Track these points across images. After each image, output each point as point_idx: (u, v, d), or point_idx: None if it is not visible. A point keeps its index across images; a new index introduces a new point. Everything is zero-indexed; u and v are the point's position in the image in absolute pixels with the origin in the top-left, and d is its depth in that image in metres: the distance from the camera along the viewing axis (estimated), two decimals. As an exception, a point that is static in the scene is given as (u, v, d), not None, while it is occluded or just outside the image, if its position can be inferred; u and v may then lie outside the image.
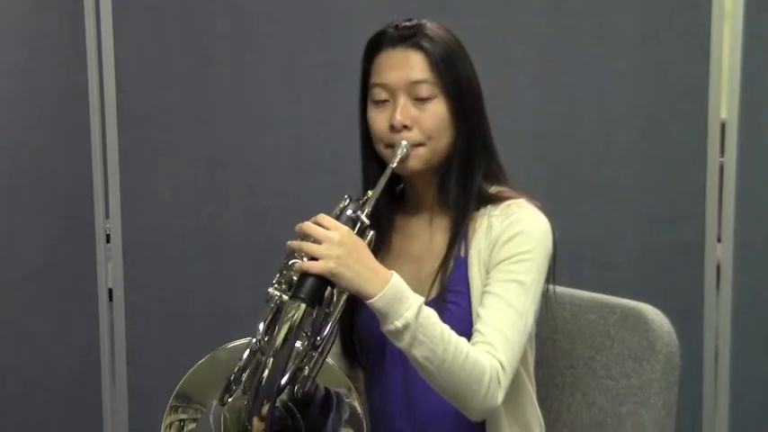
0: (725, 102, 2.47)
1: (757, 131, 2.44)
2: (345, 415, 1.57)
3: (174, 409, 1.57)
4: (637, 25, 2.50)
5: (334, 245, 1.41)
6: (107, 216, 2.78)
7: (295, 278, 1.43)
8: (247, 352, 1.44)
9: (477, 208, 1.66)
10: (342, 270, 1.40)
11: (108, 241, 2.80)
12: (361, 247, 1.45)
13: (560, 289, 1.77)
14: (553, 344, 1.88)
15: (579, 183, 2.56)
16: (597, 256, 2.52)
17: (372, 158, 1.70)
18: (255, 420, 1.49)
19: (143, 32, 2.74)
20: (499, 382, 1.48)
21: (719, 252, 2.50)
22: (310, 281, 1.40)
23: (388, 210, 1.73)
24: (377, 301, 1.42)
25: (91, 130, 2.74)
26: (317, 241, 1.41)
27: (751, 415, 2.49)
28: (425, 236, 1.70)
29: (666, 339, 1.73)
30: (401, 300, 1.43)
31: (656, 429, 1.71)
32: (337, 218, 1.48)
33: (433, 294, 1.62)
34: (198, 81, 2.75)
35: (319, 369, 1.49)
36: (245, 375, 1.44)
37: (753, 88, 2.43)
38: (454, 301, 1.61)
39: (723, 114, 2.48)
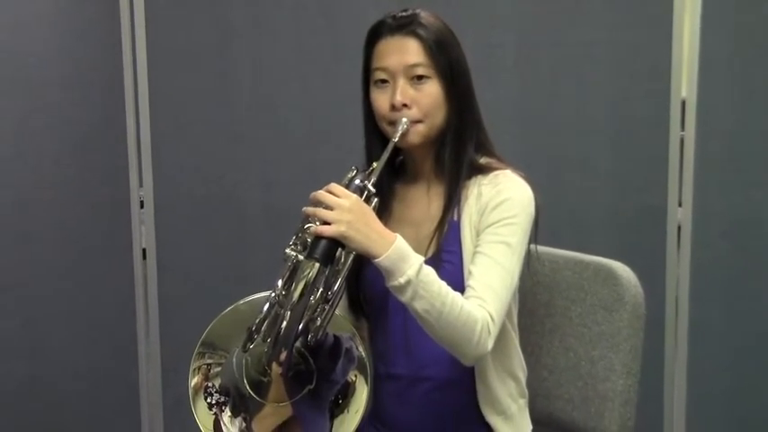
0: (685, 82, 2.45)
1: (713, 109, 2.43)
2: (352, 360, 1.58)
3: (201, 354, 1.57)
4: (608, 13, 2.48)
5: (345, 211, 1.40)
6: (141, 185, 2.80)
7: (310, 240, 1.43)
8: (267, 305, 1.44)
9: (469, 177, 1.66)
10: (352, 233, 1.40)
11: (142, 207, 2.81)
12: (369, 213, 1.45)
13: (540, 248, 1.77)
14: (534, 296, 1.88)
15: (557, 154, 2.54)
16: (573, 219, 2.52)
17: (374, 134, 1.69)
18: (274, 365, 1.51)
19: (171, 22, 2.73)
20: (489, 332, 1.49)
21: (680, 215, 2.49)
22: (323, 243, 1.40)
23: (390, 179, 1.72)
24: (383, 260, 1.42)
25: (126, 110, 2.75)
26: (329, 207, 1.41)
27: (707, 356, 2.50)
28: (423, 202, 1.70)
29: (633, 292, 1.73)
30: (404, 259, 1.43)
31: (623, 370, 1.72)
32: (347, 187, 1.48)
33: (430, 254, 1.62)
34: (219, 65, 2.73)
35: (330, 320, 1.50)
36: (264, 325, 1.44)
37: (710, 71, 2.42)
38: (448, 261, 1.61)
39: (683, 93, 2.46)
